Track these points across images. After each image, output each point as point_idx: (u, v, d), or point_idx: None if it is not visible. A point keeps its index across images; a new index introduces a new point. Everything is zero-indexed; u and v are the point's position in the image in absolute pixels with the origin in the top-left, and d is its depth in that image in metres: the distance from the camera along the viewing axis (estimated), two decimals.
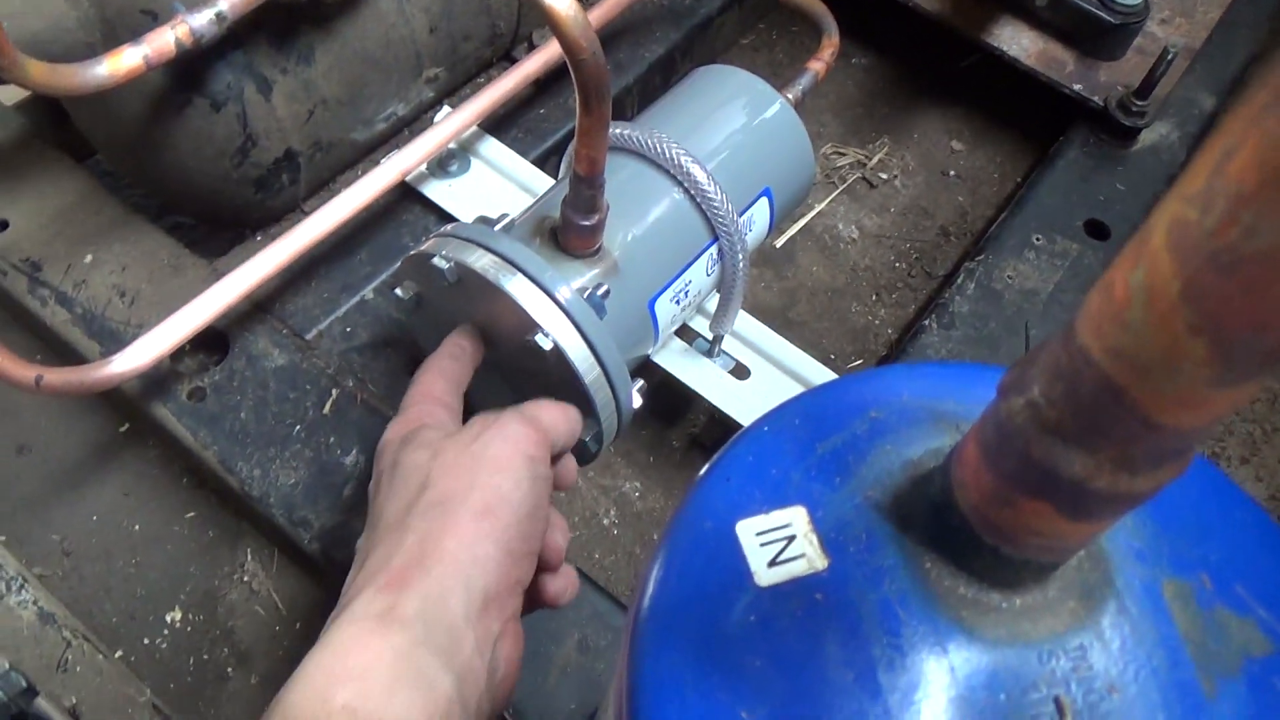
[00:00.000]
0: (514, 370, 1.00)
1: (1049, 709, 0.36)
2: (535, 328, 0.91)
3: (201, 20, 0.91)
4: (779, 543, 0.39)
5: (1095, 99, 1.40)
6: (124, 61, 0.88)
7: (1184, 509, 0.42)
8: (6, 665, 0.64)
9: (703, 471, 0.44)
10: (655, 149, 1.01)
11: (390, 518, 0.70)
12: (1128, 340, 0.27)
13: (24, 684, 0.62)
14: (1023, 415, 0.32)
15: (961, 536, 0.37)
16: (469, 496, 0.66)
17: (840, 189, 1.49)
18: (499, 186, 1.26)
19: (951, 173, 1.53)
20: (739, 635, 0.38)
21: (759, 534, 0.40)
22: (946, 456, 0.39)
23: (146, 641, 1.07)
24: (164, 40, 0.89)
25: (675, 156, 1.00)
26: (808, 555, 0.39)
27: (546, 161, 1.34)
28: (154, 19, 0.96)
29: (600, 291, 0.94)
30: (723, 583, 0.39)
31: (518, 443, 0.71)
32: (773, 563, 0.39)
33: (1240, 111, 0.23)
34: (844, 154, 1.53)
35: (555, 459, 0.80)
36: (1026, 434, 0.32)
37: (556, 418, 0.80)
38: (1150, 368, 0.27)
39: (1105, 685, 0.37)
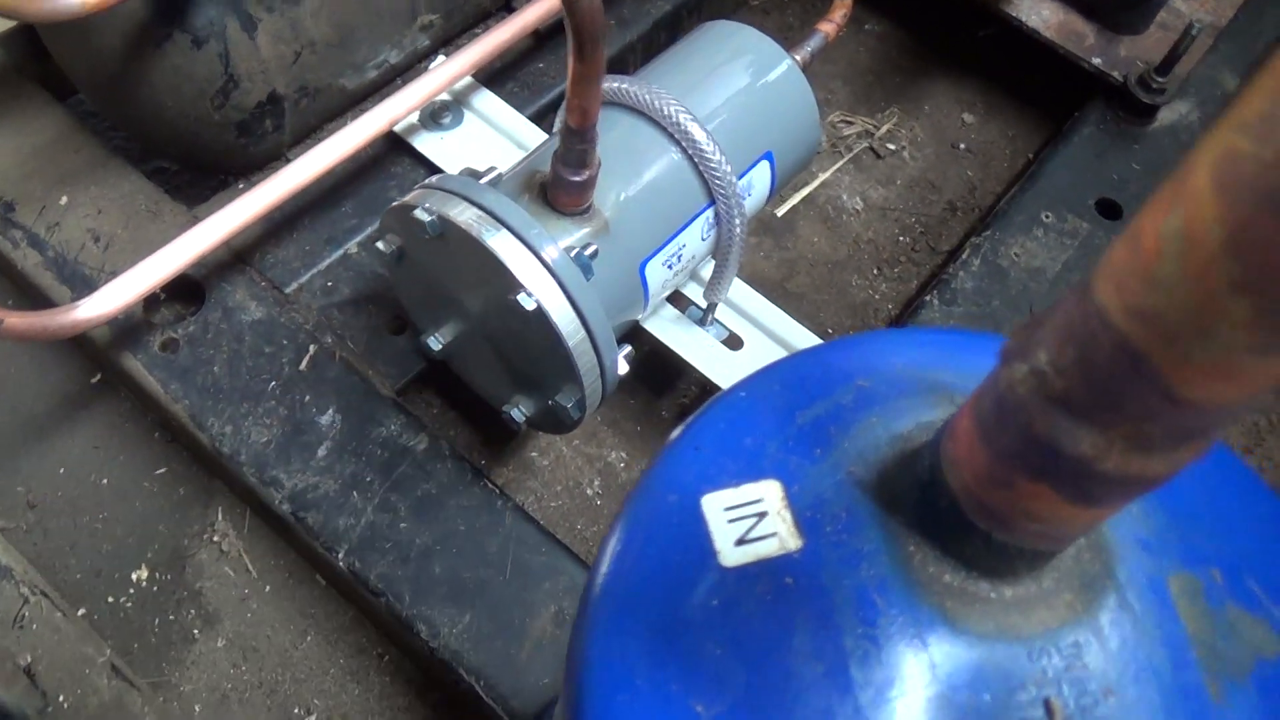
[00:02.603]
0: (499, 334, 0.96)
1: (1038, 713, 0.33)
2: (518, 287, 0.87)
3: None
4: (749, 519, 0.35)
5: (1115, 74, 1.35)
6: None
7: (1197, 497, 0.38)
8: None
9: (671, 438, 0.40)
10: (653, 105, 0.96)
11: None
12: (1155, 298, 0.23)
13: None
14: (1026, 385, 0.28)
15: (950, 520, 0.33)
16: None
17: (846, 158, 1.45)
18: (492, 141, 1.21)
19: (962, 146, 1.48)
20: (698, 620, 0.34)
21: (727, 509, 0.36)
22: (938, 431, 0.35)
23: (111, 600, 1.04)
24: None
25: (674, 114, 0.96)
26: (779, 534, 0.35)
27: (544, 118, 1.29)
28: None
29: (589, 252, 0.90)
30: (684, 561, 0.35)
31: None
32: (740, 541, 0.35)
33: None
34: (851, 123, 1.48)
35: None
36: (1029, 406, 0.28)
37: None
38: (1179, 331, 0.23)
39: (1101, 688, 0.33)
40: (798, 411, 0.38)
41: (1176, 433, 0.26)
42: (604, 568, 0.37)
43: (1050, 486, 0.29)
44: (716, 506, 0.36)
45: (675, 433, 0.40)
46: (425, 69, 1.23)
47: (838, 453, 0.37)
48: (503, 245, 0.86)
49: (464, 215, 0.87)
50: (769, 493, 0.36)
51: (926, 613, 0.33)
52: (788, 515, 0.36)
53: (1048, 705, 0.33)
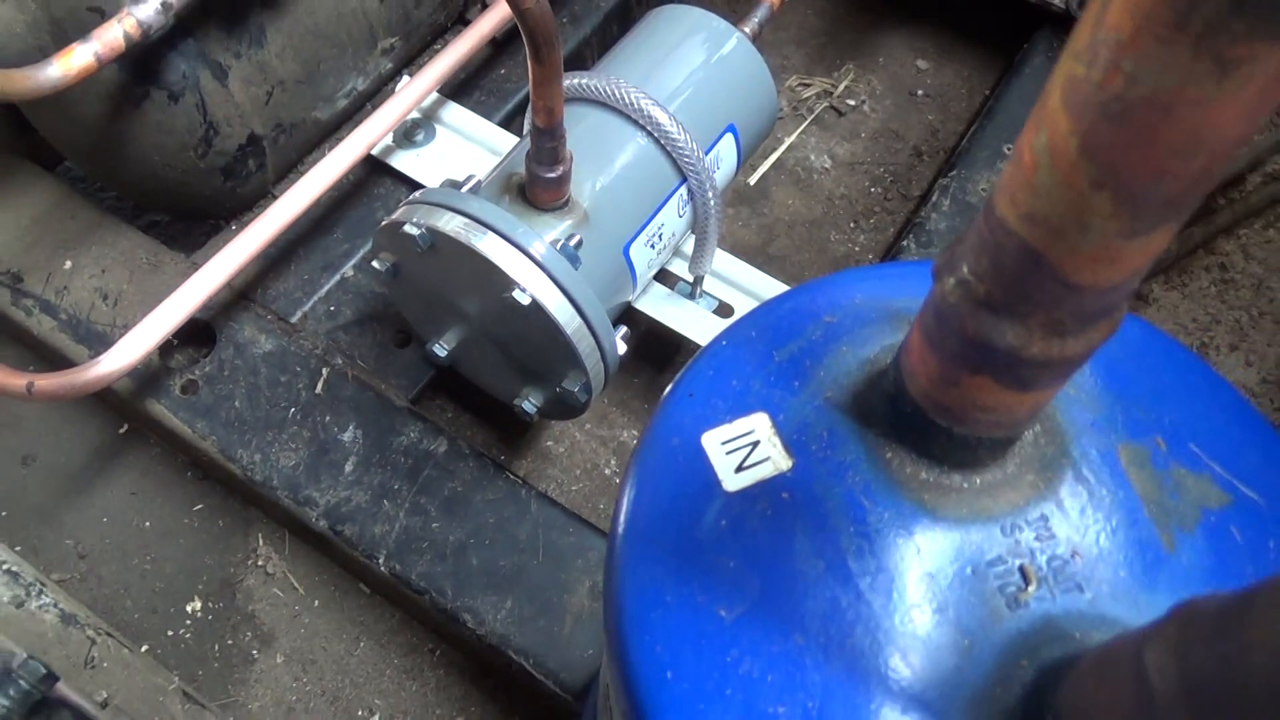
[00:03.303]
0: (500, 332, 1.01)
1: (1015, 578, 0.38)
2: (511, 284, 0.91)
3: (148, 11, 0.91)
4: (744, 449, 0.40)
5: (1056, 2, 1.39)
6: (75, 60, 0.88)
7: (1137, 376, 0.43)
8: (24, 655, 0.65)
9: (666, 391, 0.45)
10: (614, 95, 1.01)
11: None
12: (1039, 204, 0.28)
13: (44, 671, 0.64)
14: (956, 294, 0.33)
15: (916, 423, 0.38)
16: None
17: (809, 120, 1.49)
18: (466, 151, 1.26)
19: (919, 92, 1.52)
20: (712, 540, 0.39)
21: (724, 443, 0.41)
22: (899, 350, 0.40)
23: (170, 633, 1.09)
24: (112, 35, 0.89)
25: (635, 101, 1.00)
26: (772, 458, 0.40)
27: (512, 122, 1.33)
28: (102, 15, 0.96)
29: (573, 242, 0.94)
30: (693, 493, 0.40)
31: None
32: (739, 468, 0.40)
33: None
34: (810, 84, 1.52)
35: None
36: (961, 311, 0.33)
37: None
38: (1062, 228, 0.28)
39: (1068, 550, 0.38)
40: (775, 351, 0.43)
41: (1082, 315, 0.31)
42: (624, 510, 0.41)
43: (990, 377, 0.34)
44: (715, 441, 0.41)
45: (668, 388, 0.45)
46: (392, 91, 1.28)
47: (814, 382, 0.42)
48: (491, 247, 0.90)
49: (451, 224, 0.92)
50: (759, 424, 0.41)
51: (908, 506, 0.38)
52: (777, 441, 0.40)
53: (1023, 570, 0.38)
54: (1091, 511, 0.39)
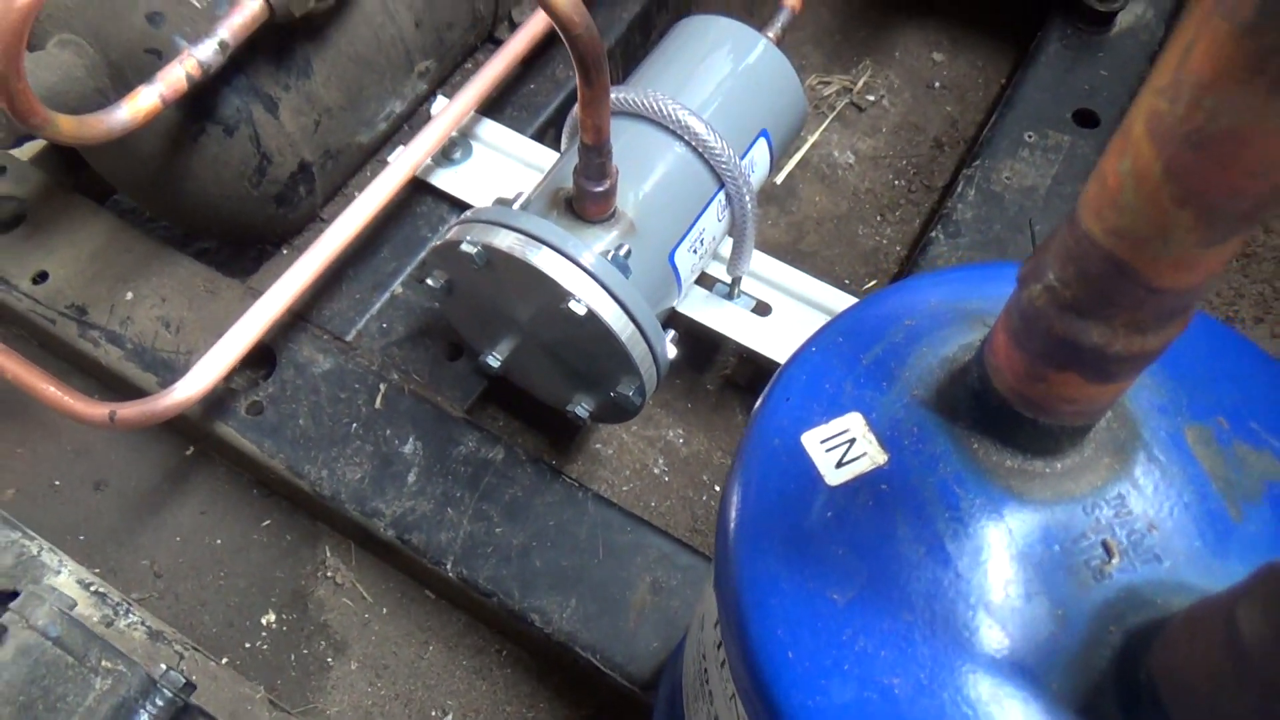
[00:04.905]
0: (554, 342, 1.05)
1: (1099, 552, 0.41)
2: (567, 295, 0.96)
3: (207, 51, 0.95)
4: (842, 446, 0.44)
5: None
6: (141, 102, 0.93)
7: (1197, 362, 0.47)
8: (164, 666, 0.70)
9: (762, 397, 0.49)
10: (652, 108, 1.04)
11: None
12: (1125, 220, 0.32)
13: (183, 680, 0.68)
14: (1042, 299, 0.36)
15: (1002, 415, 0.42)
16: None
17: (830, 117, 1.52)
18: (503, 166, 1.30)
19: (937, 84, 1.56)
20: (819, 530, 0.43)
21: (823, 441, 0.45)
22: (978, 349, 0.44)
23: (248, 645, 1.14)
24: (175, 76, 0.93)
25: (672, 112, 1.04)
26: (869, 453, 0.44)
27: (545, 134, 1.37)
28: (159, 57, 1.01)
29: (623, 252, 0.98)
30: (798, 489, 0.44)
31: None
32: (839, 464, 0.44)
33: (1194, 13, 0.28)
34: (829, 82, 1.56)
35: None
36: (1048, 315, 0.36)
37: None
38: (1147, 240, 0.32)
39: (1145, 525, 0.42)
40: (861, 354, 0.47)
41: (1161, 314, 0.35)
42: (733, 507, 0.45)
43: (1076, 373, 0.37)
44: (814, 440, 0.45)
45: (763, 394, 0.49)
46: (428, 112, 1.32)
47: (901, 381, 0.46)
48: (546, 261, 0.94)
49: (505, 241, 0.96)
50: (853, 423, 0.45)
51: (997, 492, 0.42)
52: (872, 438, 0.44)
53: (1105, 545, 0.41)
54: (1164, 488, 0.43)
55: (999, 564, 0.41)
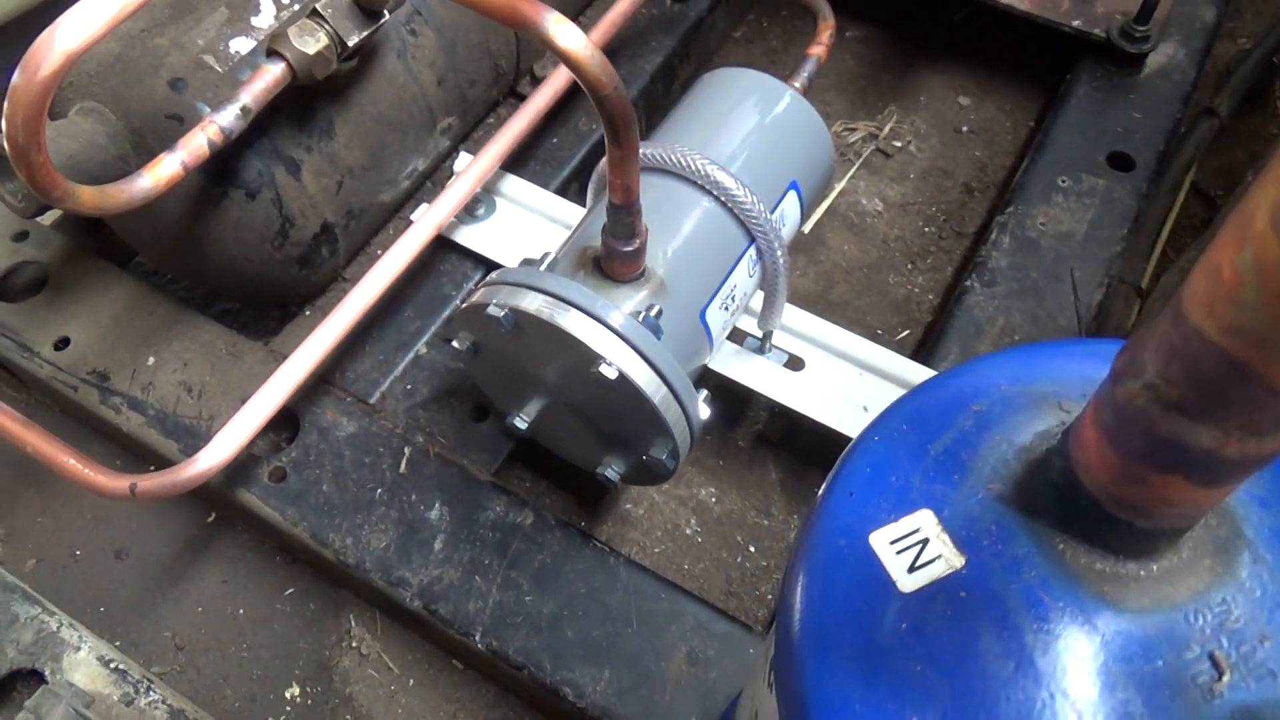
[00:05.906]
0: (584, 403, 1.02)
1: (1206, 667, 0.38)
2: (597, 359, 0.93)
3: (228, 117, 0.94)
4: (914, 548, 0.41)
5: (1096, 31, 1.40)
6: (163, 170, 0.91)
7: None
8: None
9: (821, 490, 0.46)
10: (679, 163, 1.02)
11: None
12: (1244, 317, 0.29)
13: None
14: (1143, 397, 0.33)
15: (1092, 515, 0.38)
16: None
17: (857, 164, 1.50)
18: (527, 221, 1.28)
19: (964, 128, 1.53)
20: (895, 643, 0.39)
21: (893, 542, 0.41)
22: (1059, 438, 0.40)
23: None
24: (197, 143, 0.92)
25: (700, 167, 1.02)
26: (944, 555, 0.40)
27: (568, 188, 1.36)
28: (180, 122, 0.99)
29: (653, 312, 0.95)
30: (868, 595, 0.41)
31: None
32: (912, 568, 0.40)
33: None
34: (854, 129, 1.54)
35: None
36: (1150, 414, 0.33)
37: None
38: (1269, 339, 0.29)
39: (1256, 634, 0.38)
40: (929, 444, 0.44)
41: None
42: (796, 614, 0.42)
43: (1182, 476, 0.34)
44: (883, 541, 0.41)
45: (823, 487, 0.46)
46: (451, 168, 1.31)
47: (973, 474, 0.42)
48: (575, 324, 0.92)
49: (534, 304, 0.93)
50: (924, 521, 0.41)
51: (1089, 599, 0.39)
52: (946, 538, 0.41)
53: (1213, 659, 0.38)
54: (1274, 592, 0.39)
55: (1099, 682, 0.37)
